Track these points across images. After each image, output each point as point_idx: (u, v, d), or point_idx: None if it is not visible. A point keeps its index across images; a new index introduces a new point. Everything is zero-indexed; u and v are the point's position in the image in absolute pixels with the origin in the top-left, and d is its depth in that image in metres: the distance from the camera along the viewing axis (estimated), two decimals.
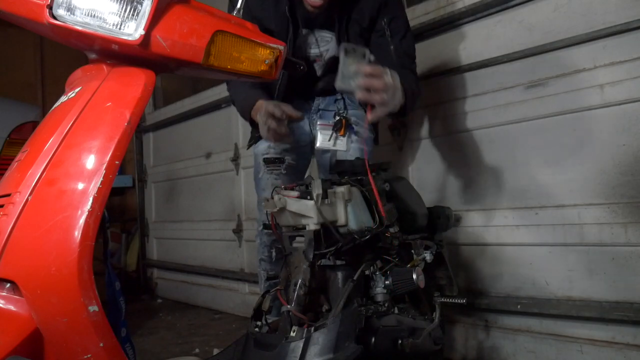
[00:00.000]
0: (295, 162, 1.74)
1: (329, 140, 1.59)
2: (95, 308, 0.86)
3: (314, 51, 1.70)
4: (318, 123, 1.63)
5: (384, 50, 1.61)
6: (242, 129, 2.98)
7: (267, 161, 1.70)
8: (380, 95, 1.35)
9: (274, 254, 1.70)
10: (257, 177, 1.73)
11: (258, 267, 1.78)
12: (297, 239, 1.25)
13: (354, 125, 1.64)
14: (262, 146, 1.74)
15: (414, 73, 1.64)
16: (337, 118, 1.59)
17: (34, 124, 2.66)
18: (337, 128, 1.57)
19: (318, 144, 1.60)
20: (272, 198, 1.19)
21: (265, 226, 1.42)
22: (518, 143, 1.84)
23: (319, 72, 1.74)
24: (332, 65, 1.61)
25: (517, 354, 1.82)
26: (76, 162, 0.89)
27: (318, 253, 1.16)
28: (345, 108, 1.64)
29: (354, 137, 1.63)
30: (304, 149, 1.77)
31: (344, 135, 1.58)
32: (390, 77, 1.40)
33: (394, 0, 1.66)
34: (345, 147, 1.59)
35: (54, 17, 0.90)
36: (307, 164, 1.85)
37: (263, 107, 1.50)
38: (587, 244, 1.66)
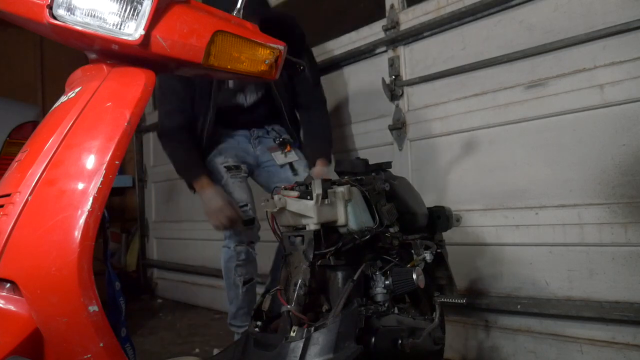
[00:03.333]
0: (245, 173, 2.03)
1: (284, 157, 2.04)
2: (95, 308, 0.86)
3: (236, 84, 1.95)
4: (268, 148, 2.05)
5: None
6: None
7: (228, 168, 1.97)
8: None
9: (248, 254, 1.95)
10: (221, 183, 1.93)
11: (233, 274, 1.92)
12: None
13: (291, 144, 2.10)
14: (219, 158, 1.99)
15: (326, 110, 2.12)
16: (280, 140, 2.05)
17: (34, 124, 2.65)
18: (283, 148, 2.05)
19: (278, 162, 2.03)
20: (272, 198, 1.19)
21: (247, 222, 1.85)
22: (518, 143, 1.83)
23: (246, 104, 2.01)
24: (259, 99, 2.01)
25: (517, 354, 1.82)
26: (76, 162, 0.89)
27: (318, 253, 1.16)
28: (280, 135, 2.09)
29: (300, 153, 2.06)
30: (250, 166, 2.08)
31: (290, 151, 2.04)
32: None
33: (309, 49, 2.07)
34: (296, 157, 2.04)
35: (54, 17, 0.90)
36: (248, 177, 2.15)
37: (222, 212, 1.79)
38: (587, 244, 1.66)
